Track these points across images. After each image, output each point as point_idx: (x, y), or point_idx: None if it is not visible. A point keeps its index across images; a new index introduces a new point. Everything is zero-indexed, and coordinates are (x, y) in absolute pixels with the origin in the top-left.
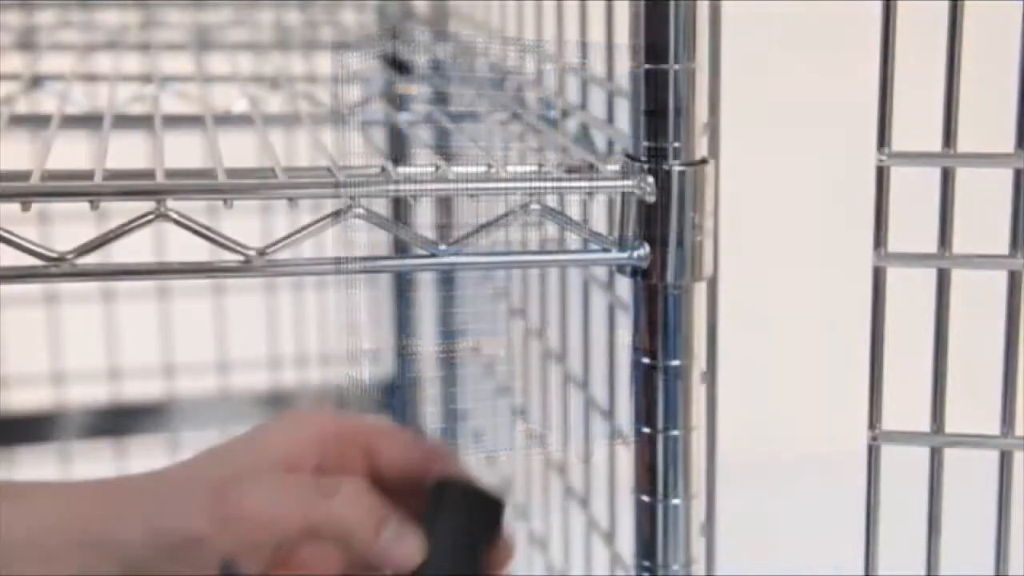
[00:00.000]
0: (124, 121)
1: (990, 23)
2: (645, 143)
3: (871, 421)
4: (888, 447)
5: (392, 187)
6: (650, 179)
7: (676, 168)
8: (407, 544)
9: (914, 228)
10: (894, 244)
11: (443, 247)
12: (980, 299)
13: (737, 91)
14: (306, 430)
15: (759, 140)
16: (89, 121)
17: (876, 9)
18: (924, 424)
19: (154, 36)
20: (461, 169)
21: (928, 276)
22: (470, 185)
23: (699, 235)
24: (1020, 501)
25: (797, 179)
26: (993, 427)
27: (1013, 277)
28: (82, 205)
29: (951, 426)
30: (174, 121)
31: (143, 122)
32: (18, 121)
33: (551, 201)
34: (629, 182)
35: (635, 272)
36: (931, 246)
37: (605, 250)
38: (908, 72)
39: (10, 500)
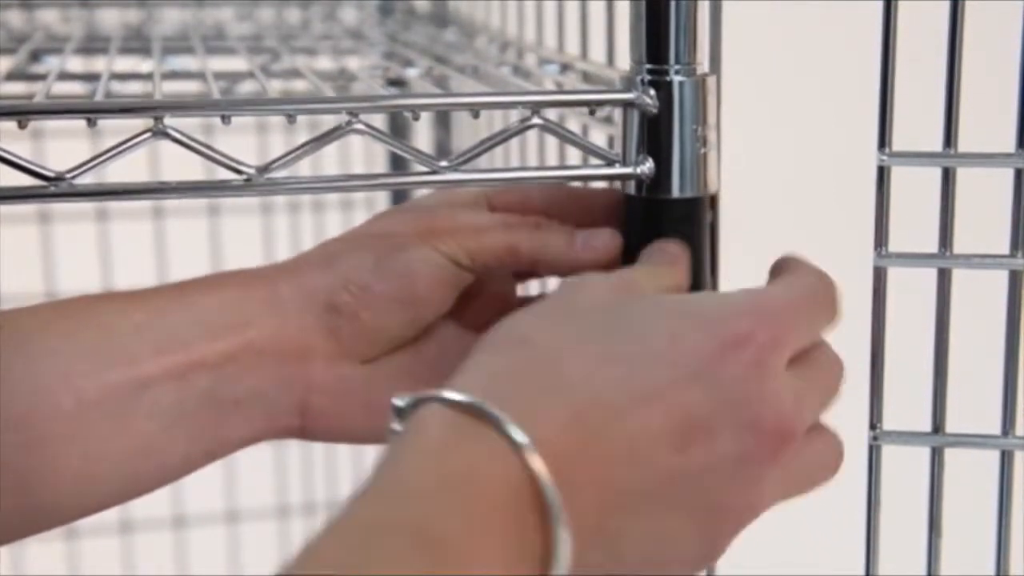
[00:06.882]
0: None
1: (990, 23)
2: (648, 64)
3: (871, 421)
4: (888, 447)
5: (393, 101)
6: (652, 91)
7: (678, 80)
8: (602, 238)
9: (915, 228)
10: (895, 244)
11: (444, 163)
12: (980, 299)
13: (737, 90)
14: (457, 199)
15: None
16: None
17: (876, 9)
18: (924, 424)
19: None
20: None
21: (929, 276)
22: (471, 99)
23: (703, 147)
24: (1020, 501)
25: (797, 178)
26: (993, 427)
27: (1013, 277)
28: (76, 122)
29: (951, 426)
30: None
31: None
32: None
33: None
34: (631, 94)
35: (639, 188)
36: (932, 246)
37: (609, 164)
38: (908, 72)
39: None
